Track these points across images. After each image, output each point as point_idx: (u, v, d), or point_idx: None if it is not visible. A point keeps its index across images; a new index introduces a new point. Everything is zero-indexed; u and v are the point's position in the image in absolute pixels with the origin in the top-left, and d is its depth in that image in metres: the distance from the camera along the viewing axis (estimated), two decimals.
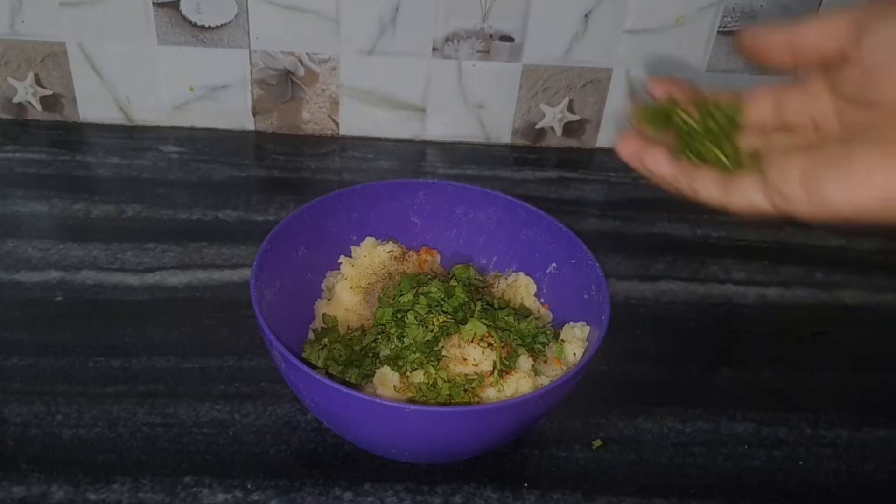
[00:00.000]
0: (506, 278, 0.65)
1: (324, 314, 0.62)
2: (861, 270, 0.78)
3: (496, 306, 0.60)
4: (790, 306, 0.74)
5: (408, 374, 0.53)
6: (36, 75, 0.88)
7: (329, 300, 0.63)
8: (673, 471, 0.58)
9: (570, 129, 0.93)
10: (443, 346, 0.55)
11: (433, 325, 0.55)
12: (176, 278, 0.71)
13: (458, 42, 0.86)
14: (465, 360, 0.54)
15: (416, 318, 0.56)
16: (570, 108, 0.92)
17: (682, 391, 0.64)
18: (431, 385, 0.53)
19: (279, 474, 0.55)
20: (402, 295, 0.57)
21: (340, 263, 0.64)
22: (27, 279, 0.69)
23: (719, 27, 0.86)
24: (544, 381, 0.55)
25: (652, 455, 0.59)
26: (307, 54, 0.87)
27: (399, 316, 0.56)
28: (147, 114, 0.91)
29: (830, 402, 0.64)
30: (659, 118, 0.44)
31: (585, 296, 0.59)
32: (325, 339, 0.59)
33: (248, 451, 0.57)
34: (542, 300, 0.64)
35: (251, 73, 0.88)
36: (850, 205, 0.36)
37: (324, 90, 0.90)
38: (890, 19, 0.36)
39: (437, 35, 0.86)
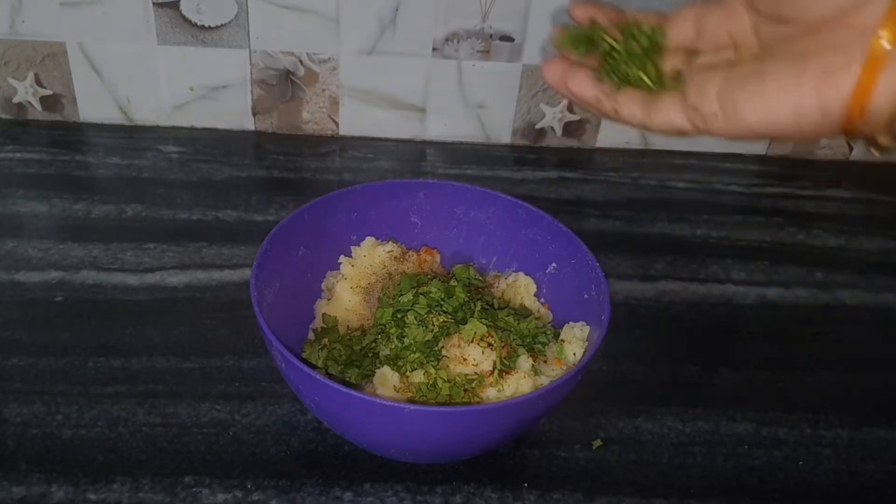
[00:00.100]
0: (506, 278, 0.65)
1: (324, 314, 0.62)
2: (861, 270, 0.78)
3: (496, 306, 0.60)
4: (790, 306, 0.74)
5: (408, 374, 0.53)
6: (36, 75, 0.88)
7: (329, 300, 0.63)
8: (673, 471, 0.58)
9: (570, 129, 0.93)
10: (443, 346, 0.55)
11: (433, 325, 0.55)
12: (176, 278, 0.71)
13: (458, 42, 0.86)
14: (464, 360, 0.54)
15: (416, 318, 0.56)
16: (570, 109, 0.92)
17: (682, 391, 0.64)
18: (431, 385, 0.53)
19: (279, 474, 0.55)
20: (402, 295, 0.57)
21: (340, 263, 0.64)
22: (27, 279, 0.69)
23: None
24: (544, 381, 0.55)
25: (652, 455, 0.59)
26: (307, 54, 0.87)
27: (399, 316, 0.56)
28: (147, 114, 0.91)
29: (830, 402, 0.64)
30: (582, 41, 0.44)
31: (585, 296, 0.59)
32: (325, 339, 0.59)
33: (248, 451, 0.57)
34: (542, 300, 0.64)
35: (251, 73, 0.88)
36: (764, 121, 0.36)
37: (324, 90, 0.90)
38: None
39: (437, 35, 0.86)
